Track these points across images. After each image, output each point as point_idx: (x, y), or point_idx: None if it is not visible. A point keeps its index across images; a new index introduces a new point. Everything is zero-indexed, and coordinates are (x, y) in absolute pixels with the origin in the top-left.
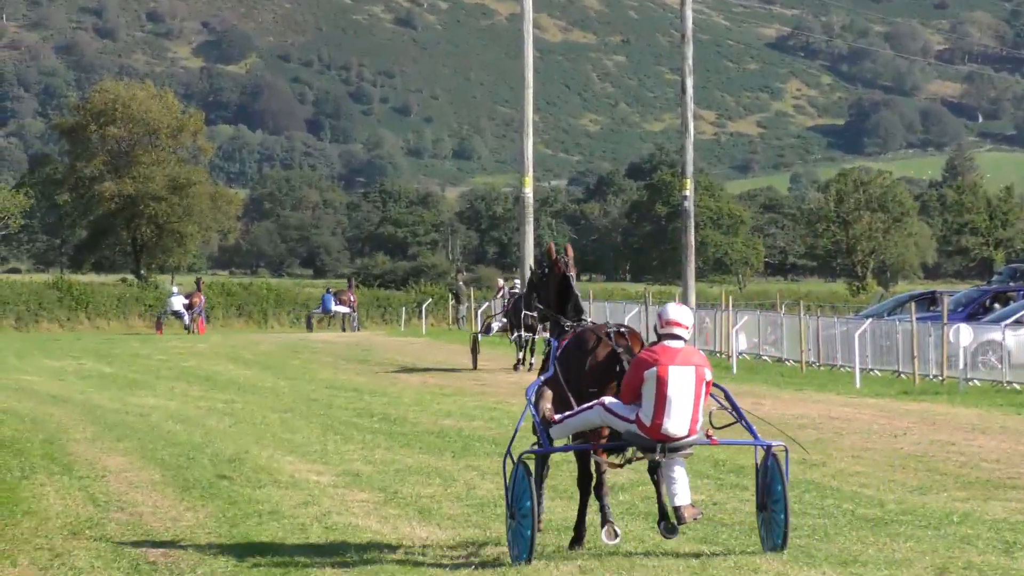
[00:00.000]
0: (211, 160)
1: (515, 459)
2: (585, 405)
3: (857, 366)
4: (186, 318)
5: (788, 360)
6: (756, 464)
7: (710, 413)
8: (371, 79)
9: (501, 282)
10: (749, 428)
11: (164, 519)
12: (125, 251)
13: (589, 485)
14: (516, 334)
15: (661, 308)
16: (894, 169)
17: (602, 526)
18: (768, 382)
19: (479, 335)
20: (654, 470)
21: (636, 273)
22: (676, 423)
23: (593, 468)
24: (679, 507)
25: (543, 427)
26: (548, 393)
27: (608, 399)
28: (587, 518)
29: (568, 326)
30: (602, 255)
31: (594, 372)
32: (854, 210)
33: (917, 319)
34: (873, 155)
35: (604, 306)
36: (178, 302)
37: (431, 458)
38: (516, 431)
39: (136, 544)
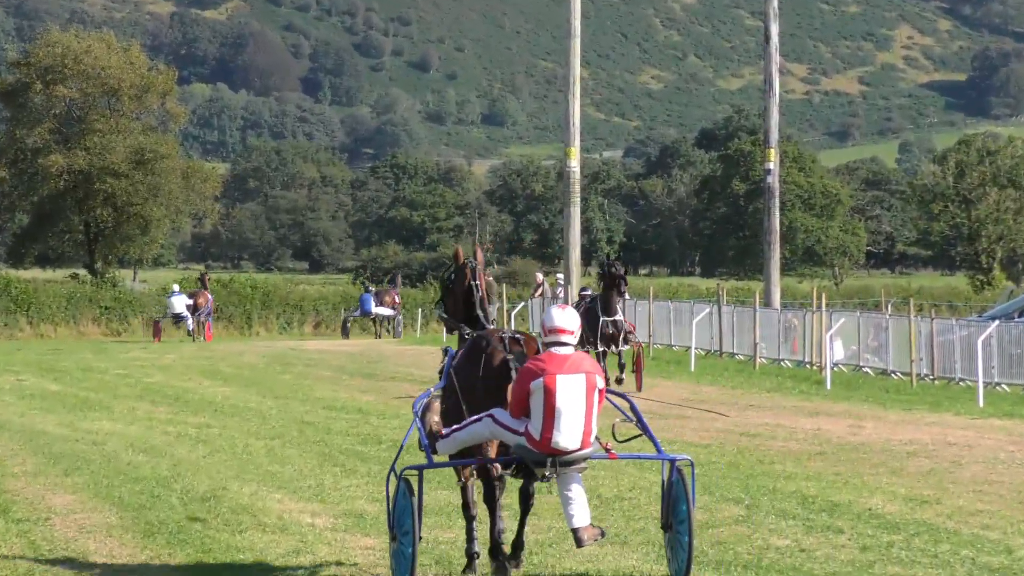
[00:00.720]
0: (184, 128)
1: (398, 476)
2: (474, 417)
3: (980, 380)
4: (190, 322)
5: (895, 372)
6: (663, 480)
7: (612, 425)
8: (381, 27)
9: (540, 277)
10: (654, 441)
11: (122, 572)
12: (76, 240)
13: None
14: (585, 348)
15: (544, 314)
16: None
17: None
18: (870, 400)
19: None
20: (526, 497)
21: (707, 265)
22: (567, 436)
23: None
24: (577, 529)
25: (429, 441)
26: (436, 405)
27: (498, 411)
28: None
29: (467, 334)
30: (665, 243)
31: (487, 381)
32: (978, 186)
33: None
34: (1002, 118)
35: (667, 306)
36: (180, 303)
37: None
38: (402, 446)
39: None
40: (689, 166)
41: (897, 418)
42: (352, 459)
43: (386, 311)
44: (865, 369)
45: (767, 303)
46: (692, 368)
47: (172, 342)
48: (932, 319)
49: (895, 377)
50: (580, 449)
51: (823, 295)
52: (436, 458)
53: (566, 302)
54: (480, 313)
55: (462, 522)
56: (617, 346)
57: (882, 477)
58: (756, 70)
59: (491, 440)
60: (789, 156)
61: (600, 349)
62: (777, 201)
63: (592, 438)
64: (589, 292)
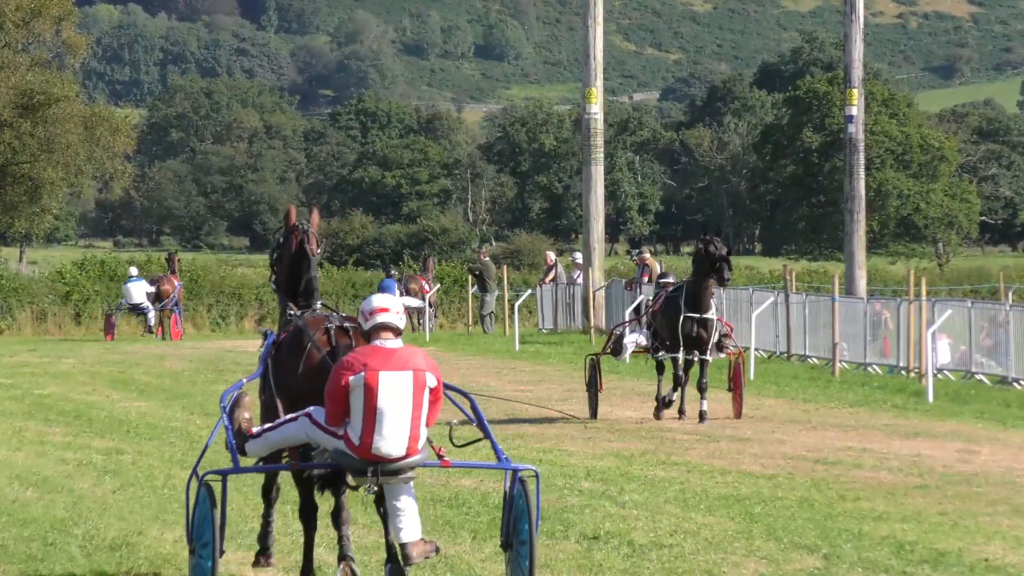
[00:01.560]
0: (85, 63)
1: (199, 479)
2: (288, 416)
3: None
4: (151, 315)
5: (1017, 381)
6: (505, 492)
7: (449, 427)
8: None
9: (552, 257)
10: (494, 446)
11: None
12: None
13: (313, 517)
14: (662, 353)
15: (364, 300)
16: None
17: (338, 563)
18: (984, 415)
19: (598, 356)
20: (381, 502)
21: (771, 242)
22: (390, 441)
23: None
24: (406, 544)
25: (237, 442)
26: (246, 400)
27: (316, 409)
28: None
29: (291, 315)
30: (716, 212)
31: (308, 375)
32: None
33: None
34: None
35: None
36: (138, 291)
37: (441, 539)
38: (206, 446)
39: None
40: (746, 112)
41: (1021, 440)
42: None
43: (413, 302)
44: (978, 376)
45: (849, 290)
46: (751, 375)
47: (129, 340)
48: None
49: (1017, 387)
50: (406, 456)
51: (923, 280)
52: (243, 461)
53: (585, 287)
54: (305, 285)
55: (380, 555)
56: (707, 354)
57: (1001, 518)
58: None
59: (306, 442)
60: (877, 99)
61: (682, 356)
62: (862, 157)
63: (421, 444)
64: (671, 279)
